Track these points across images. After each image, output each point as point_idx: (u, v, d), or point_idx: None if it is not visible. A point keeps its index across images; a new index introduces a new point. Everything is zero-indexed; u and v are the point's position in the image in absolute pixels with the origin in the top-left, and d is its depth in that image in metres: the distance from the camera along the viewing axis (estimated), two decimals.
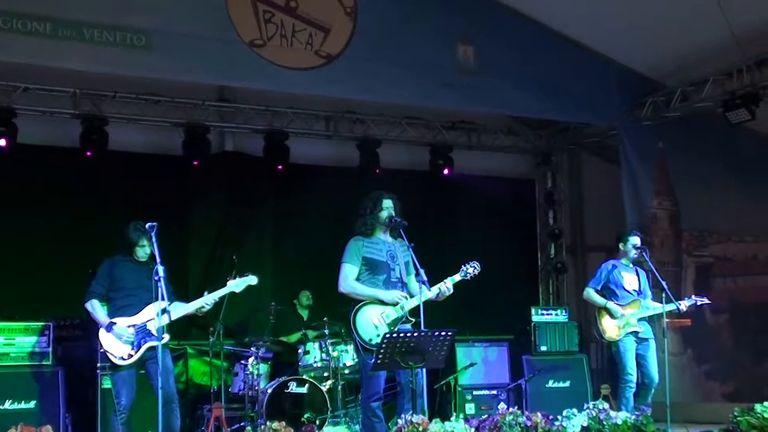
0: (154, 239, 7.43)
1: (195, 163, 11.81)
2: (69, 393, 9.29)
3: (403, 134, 13.06)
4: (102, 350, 7.68)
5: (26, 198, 11.05)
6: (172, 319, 7.70)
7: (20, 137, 10.88)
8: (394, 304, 7.37)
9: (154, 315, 7.68)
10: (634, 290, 9.37)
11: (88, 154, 11.19)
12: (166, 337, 7.75)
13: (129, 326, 7.62)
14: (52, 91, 11.04)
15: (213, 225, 12.30)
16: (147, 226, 7.42)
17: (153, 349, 7.65)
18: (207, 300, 7.94)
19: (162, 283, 7.20)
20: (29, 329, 9.24)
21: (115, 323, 7.67)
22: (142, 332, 7.64)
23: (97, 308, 7.86)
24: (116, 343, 7.64)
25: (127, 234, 7.78)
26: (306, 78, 10.70)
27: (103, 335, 7.69)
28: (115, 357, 7.63)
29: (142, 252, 7.88)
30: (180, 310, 7.89)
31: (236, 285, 8.06)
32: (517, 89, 11.71)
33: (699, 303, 9.30)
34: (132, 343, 7.62)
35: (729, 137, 12.09)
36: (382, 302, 7.40)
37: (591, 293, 9.50)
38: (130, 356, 7.57)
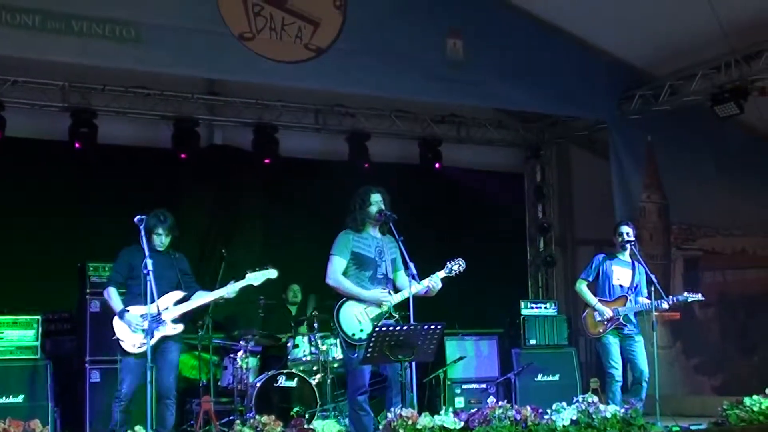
0: (142, 233, 7.40)
1: (184, 156, 11.76)
2: (57, 387, 9.24)
3: (392, 128, 13.05)
4: (114, 338, 7.65)
5: (14, 191, 11.00)
6: (194, 307, 7.80)
7: (8, 130, 10.83)
8: (378, 305, 7.38)
9: (170, 304, 7.68)
10: (622, 286, 9.30)
11: (77, 146, 11.15)
12: (180, 327, 7.77)
13: (142, 315, 7.53)
14: (41, 84, 11.00)
15: (202, 218, 12.26)
16: (136, 219, 7.39)
17: (166, 340, 7.65)
18: (232, 289, 7.88)
19: (151, 276, 7.17)
20: (17, 323, 9.18)
21: (127, 311, 7.63)
22: (157, 321, 7.57)
23: (113, 296, 7.82)
24: (127, 331, 7.61)
25: (145, 222, 7.72)
26: (295, 71, 10.68)
27: (116, 322, 7.67)
28: (126, 344, 7.61)
29: (159, 241, 7.84)
30: (203, 298, 7.88)
31: (255, 278, 8.02)
32: (505, 82, 11.70)
33: (691, 299, 9.23)
34: (144, 332, 7.55)
35: (718, 131, 12.13)
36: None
37: (583, 288, 9.40)
38: (143, 345, 7.50)
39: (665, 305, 8.99)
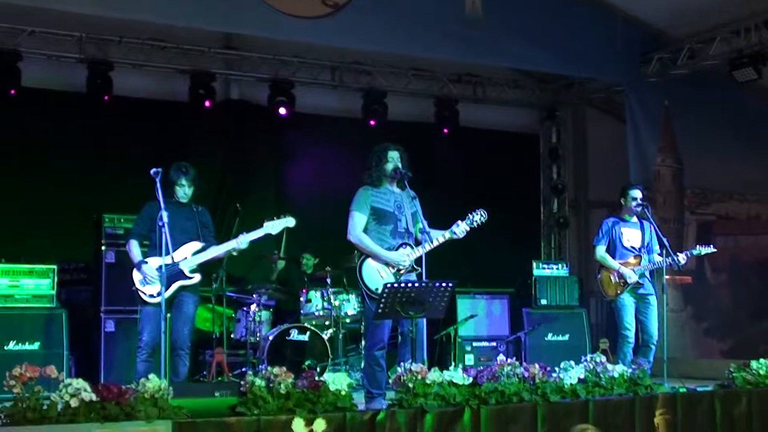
0: (158, 185, 7.43)
1: (201, 109, 11.79)
2: (72, 336, 9.35)
3: (408, 86, 13.04)
4: (134, 288, 7.71)
5: (31, 141, 11.07)
6: (206, 259, 7.78)
7: (25, 81, 10.89)
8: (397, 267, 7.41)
9: (189, 255, 7.73)
10: (633, 247, 9.30)
11: (106, 99, 11.21)
12: (197, 277, 7.79)
13: (158, 267, 7.54)
14: (58, 35, 11.02)
15: (217, 172, 12.29)
16: (152, 171, 7.41)
17: (183, 291, 7.71)
18: (244, 240, 7.80)
19: (166, 228, 7.21)
20: (33, 272, 9.28)
21: (146, 262, 7.67)
22: (174, 270, 7.59)
23: (133, 248, 7.85)
24: (146, 281, 7.68)
25: (168, 174, 7.73)
26: (311, 27, 10.64)
27: (135, 273, 7.72)
28: (145, 295, 7.67)
29: (182, 192, 7.84)
30: (214, 249, 7.85)
31: (273, 226, 7.91)
32: (524, 42, 11.63)
33: (704, 252, 9.22)
34: (161, 282, 7.59)
35: (735, 96, 12.07)
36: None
37: (604, 255, 9.30)
38: (160, 294, 7.54)
39: (682, 259, 8.99)
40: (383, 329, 7.37)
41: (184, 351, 7.77)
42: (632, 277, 9.11)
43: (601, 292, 9.46)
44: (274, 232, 7.97)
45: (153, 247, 7.72)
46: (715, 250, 9.42)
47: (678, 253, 8.97)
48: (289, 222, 7.99)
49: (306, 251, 11.54)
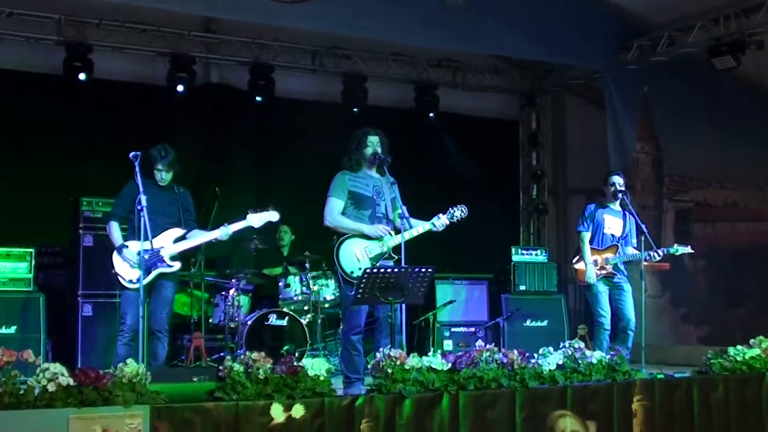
0: (137, 169, 7.40)
1: (179, 93, 11.73)
2: (50, 319, 9.31)
3: (388, 71, 13.02)
4: (113, 271, 7.68)
5: (8, 124, 10.97)
6: (187, 248, 7.80)
7: (2, 62, 10.82)
8: (378, 238, 7.43)
9: (170, 242, 7.70)
10: (613, 235, 9.35)
11: (80, 80, 11.14)
12: (177, 264, 7.77)
13: (139, 251, 7.54)
14: (37, 17, 10.93)
15: (196, 156, 12.22)
16: (131, 155, 7.38)
17: (162, 277, 7.69)
18: (225, 231, 7.85)
19: (145, 212, 7.18)
20: (10, 255, 9.23)
21: (126, 246, 7.65)
22: (155, 257, 7.60)
23: (114, 230, 7.81)
24: (125, 266, 7.65)
25: (148, 157, 7.69)
26: (292, 11, 10.57)
27: (115, 257, 7.70)
28: (125, 280, 7.64)
29: (159, 176, 7.82)
30: (197, 239, 7.88)
31: (256, 219, 7.94)
32: (503, 29, 11.60)
33: (680, 252, 9.26)
34: (140, 268, 7.59)
35: (714, 84, 12.09)
36: (366, 236, 7.45)
37: (586, 241, 9.35)
38: (139, 280, 7.56)
39: (656, 256, 9.03)
40: (360, 314, 7.39)
41: (163, 333, 7.77)
42: (592, 279, 9.19)
43: (576, 277, 9.53)
44: (256, 226, 8.01)
45: (132, 231, 7.69)
46: (693, 251, 9.46)
47: (655, 250, 8.99)
48: (273, 216, 8.02)
49: (283, 224, 11.50)
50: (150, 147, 7.85)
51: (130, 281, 7.61)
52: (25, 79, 11.19)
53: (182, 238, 7.82)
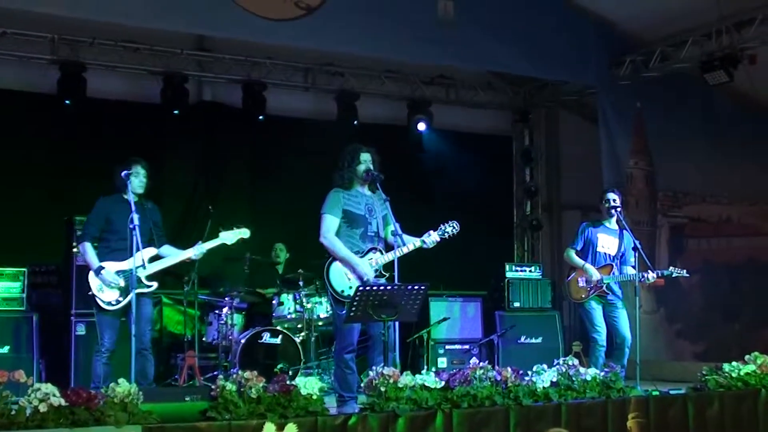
0: (129, 186, 7.40)
1: (173, 112, 11.73)
2: (43, 339, 9.29)
3: (381, 88, 13.03)
4: (90, 293, 7.66)
5: (2, 143, 10.95)
6: (161, 267, 7.83)
7: None
8: (362, 278, 7.35)
9: (144, 262, 7.67)
10: (607, 254, 9.26)
11: (66, 101, 11.12)
12: (154, 284, 7.78)
13: (117, 272, 7.58)
14: (30, 36, 10.93)
15: (189, 174, 12.27)
16: (123, 174, 7.39)
17: (140, 296, 7.64)
18: (199, 250, 7.92)
19: (137, 231, 7.19)
20: (3, 275, 9.21)
21: (104, 268, 7.63)
22: (132, 279, 7.60)
23: (88, 251, 7.78)
24: (103, 287, 7.63)
25: (119, 174, 7.71)
26: (285, 29, 10.59)
27: (92, 278, 7.68)
28: (103, 302, 7.63)
29: (131, 193, 7.76)
30: (172, 258, 7.90)
31: (228, 237, 8.04)
32: (496, 45, 11.60)
33: (675, 275, 9.16)
34: (120, 289, 7.60)
35: (707, 98, 12.14)
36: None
37: (572, 255, 9.33)
38: (118, 302, 7.57)
39: (651, 277, 8.96)
40: (352, 332, 7.35)
41: (148, 351, 7.78)
42: (595, 275, 9.10)
43: (568, 294, 9.47)
44: (229, 243, 8.12)
45: (108, 250, 7.70)
46: (688, 275, 9.29)
47: (648, 272, 8.92)
48: (244, 233, 8.15)
49: (278, 242, 11.51)
50: (129, 159, 7.88)
51: (108, 303, 7.63)
52: (18, 98, 11.18)
53: (156, 257, 7.83)
